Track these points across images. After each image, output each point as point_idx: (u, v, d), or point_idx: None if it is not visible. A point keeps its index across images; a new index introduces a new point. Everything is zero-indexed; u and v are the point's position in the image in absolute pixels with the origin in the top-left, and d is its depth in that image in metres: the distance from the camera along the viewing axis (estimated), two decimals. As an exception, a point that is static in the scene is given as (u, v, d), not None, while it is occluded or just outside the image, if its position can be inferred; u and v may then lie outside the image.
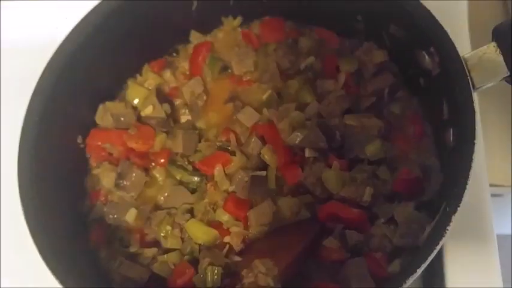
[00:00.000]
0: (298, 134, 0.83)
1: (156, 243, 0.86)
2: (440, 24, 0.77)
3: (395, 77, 0.89)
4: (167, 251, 0.84)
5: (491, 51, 0.75)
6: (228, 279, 0.79)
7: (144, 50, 0.96)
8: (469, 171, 0.67)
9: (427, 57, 0.80)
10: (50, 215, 0.79)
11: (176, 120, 0.95)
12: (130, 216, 0.87)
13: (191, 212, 0.87)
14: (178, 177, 0.88)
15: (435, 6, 0.80)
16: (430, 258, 0.64)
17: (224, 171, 0.86)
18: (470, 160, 0.68)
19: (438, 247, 0.64)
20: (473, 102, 0.72)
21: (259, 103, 0.91)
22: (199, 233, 0.84)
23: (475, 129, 0.70)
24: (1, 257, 0.98)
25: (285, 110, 0.87)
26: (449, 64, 0.75)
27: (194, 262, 0.83)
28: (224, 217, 0.84)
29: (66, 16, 0.86)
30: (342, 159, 0.84)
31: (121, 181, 0.88)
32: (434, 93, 0.82)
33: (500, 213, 1.39)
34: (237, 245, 0.82)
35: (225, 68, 0.96)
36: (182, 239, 0.85)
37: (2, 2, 1.15)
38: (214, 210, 0.86)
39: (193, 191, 0.88)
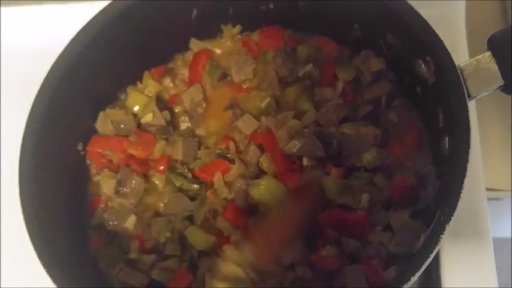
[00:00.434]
0: (296, 142, 0.84)
1: (155, 250, 0.87)
2: (437, 34, 0.77)
3: (392, 85, 0.90)
4: (166, 257, 0.85)
5: (486, 60, 0.75)
6: None
7: (144, 58, 0.96)
8: (463, 180, 0.68)
9: (423, 66, 0.81)
10: (50, 221, 0.79)
11: (176, 128, 0.95)
12: (130, 222, 0.87)
13: (191, 219, 0.87)
14: (177, 185, 0.89)
15: (432, 15, 0.81)
16: (424, 267, 0.64)
17: (223, 179, 0.87)
18: (465, 169, 0.69)
19: (432, 255, 0.64)
20: (468, 111, 0.73)
21: (258, 110, 0.92)
22: (199, 239, 0.84)
23: (469, 138, 0.71)
24: (1, 262, 0.99)
25: (283, 118, 0.88)
26: (445, 73, 0.76)
27: (193, 268, 0.84)
28: (224, 225, 0.85)
29: (67, 23, 0.87)
30: (339, 167, 0.84)
31: (121, 188, 0.89)
32: (430, 101, 0.82)
33: (499, 217, 1.39)
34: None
35: (225, 76, 0.97)
36: (181, 246, 0.85)
37: (2, 7, 1.16)
38: (214, 218, 0.86)
39: (192, 198, 0.89)
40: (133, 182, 0.89)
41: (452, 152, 0.75)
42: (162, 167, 0.91)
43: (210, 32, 0.99)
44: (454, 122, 0.74)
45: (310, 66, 0.92)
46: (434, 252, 0.64)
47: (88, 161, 0.93)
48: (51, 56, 0.84)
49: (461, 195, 0.67)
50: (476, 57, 0.76)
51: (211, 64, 0.97)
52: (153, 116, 0.92)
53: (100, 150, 0.92)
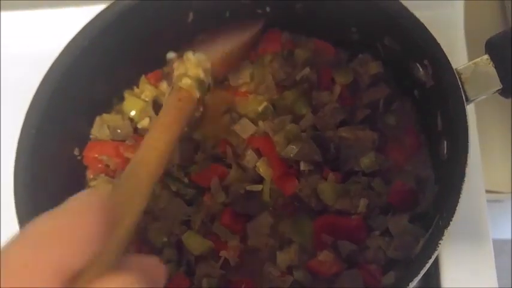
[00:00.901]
0: (294, 147, 0.84)
1: (152, 255, 0.86)
2: (434, 37, 0.77)
3: (390, 89, 0.89)
4: (163, 262, 0.84)
5: (484, 63, 0.75)
6: None
7: (140, 62, 0.96)
8: (462, 184, 0.67)
9: (421, 69, 0.81)
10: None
11: (172, 132, 0.95)
12: (127, 227, 0.87)
13: (187, 223, 0.87)
14: (174, 189, 0.88)
15: (430, 16, 0.80)
16: (422, 272, 0.64)
17: (220, 183, 0.86)
18: (463, 173, 0.68)
19: (430, 261, 0.64)
20: (466, 115, 0.72)
21: (255, 114, 0.91)
22: (196, 244, 0.84)
23: (467, 142, 0.71)
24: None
25: (281, 123, 0.87)
26: (443, 77, 0.75)
27: (190, 273, 0.83)
28: (221, 229, 0.84)
29: (68, 27, 0.86)
30: (337, 172, 0.84)
31: (117, 193, 0.88)
32: (428, 105, 0.82)
33: (500, 219, 1.39)
34: (233, 258, 0.82)
35: (221, 80, 0.96)
36: (178, 251, 0.85)
37: (2, 12, 1.16)
38: (211, 223, 0.86)
39: (189, 203, 0.88)
40: (130, 187, 0.88)
41: (451, 156, 0.75)
42: (158, 172, 0.90)
43: (207, 36, 0.99)
44: (452, 125, 0.74)
45: (307, 70, 0.92)
46: (433, 257, 0.64)
47: (85, 167, 0.92)
48: (52, 60, 0.84)
49: (460, 199, 0.66)
50: (474, 61, 0.76)
51: (209, 68, 0.96)
52: (150, 120, 0.92)
53: (97, 155, 0.91)
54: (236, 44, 0.80)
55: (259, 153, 0.87)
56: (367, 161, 0.83)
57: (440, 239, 0.65)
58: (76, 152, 0.91)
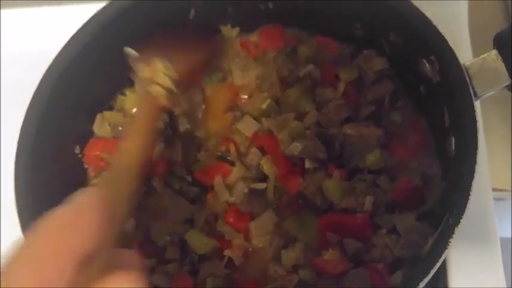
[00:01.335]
0: (298, 144, 0.83)
1: (155, 254, 0.85)
2: (441, 33, 0.76)
3: (395, 85, 0.88)
4: (166, 261, 0.83)
5: (492, 59, 0.74)
6: None
7: (142, 59, 0.95)
8: (471, 181, 0.66)
9: (427, 65, 0.79)
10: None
11: (175, 130, 0.94)
12: (130, 226, 0.86)
13: (191, 222, 0.86)
14: (177, 188, 0.87)
15: (434, 13, 0.79)
16: (432, 272, 0.63)
17: (224, 182, 0.85)
18: (473, 169, 0.67)
19: (441, 260, 0.63)
20: (474, 110, 0.71)
21: (258, 112, 0.90)
22: (200, 243, 0.83)
23: (477, 138, 0.70)
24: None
25: (284, 120, 0.86)
26: (450, 72, 0.74)
27: (194, 273, 0.82)
28: (225, 228, 0.84)
29: (70, 25, 0.86)
30: (342, 169, 0.83)
31: (119, 191, 0.87)
32: (435, 101, 0.81)
33: (501, 217, 1.39)
34: (238, 257, 0.81)
35: (224, 77, 0.95)
36: (181, 250, 0.84)
37: (2, 10, 1.15)
38: (215, 221, 0.85)
39: (192, 202, 0.87)
40: (132, 185, 0.87)
41: (459, 152, 0.74)
42: (161, 170, 0.89)
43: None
44: (460, 121, 0.73)
45: (311, 67, 0.91)
46: (443, 256, 0.63)
47: (86, 165, 0.91)
48: (52, 58, 0.83)
49: (469, 197, 0.65)
50: (482, 56, 0.75)
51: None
52: (151, 118, 0.91)
53: (98, 153, 0.90)
54: (196, 58, 0.81)
55: (263, 151, 0.86)
56: (372, 158, 0.82)
57: (451, 237, 0.64)
58: (77, 150, 0.90)
